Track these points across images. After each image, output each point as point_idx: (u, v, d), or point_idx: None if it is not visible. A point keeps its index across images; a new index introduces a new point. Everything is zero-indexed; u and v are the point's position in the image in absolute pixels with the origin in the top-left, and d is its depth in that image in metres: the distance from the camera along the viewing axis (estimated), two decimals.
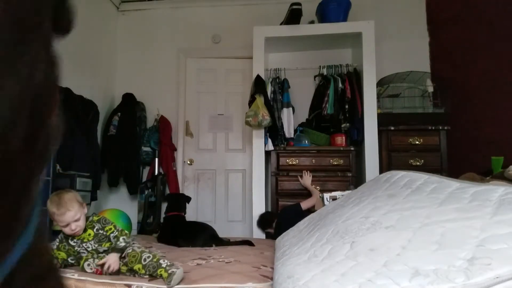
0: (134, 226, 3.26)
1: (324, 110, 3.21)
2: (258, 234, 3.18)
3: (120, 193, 3.77)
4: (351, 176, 3.10)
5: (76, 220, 1.43)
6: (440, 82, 3.24)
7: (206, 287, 1.09)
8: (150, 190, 3.35)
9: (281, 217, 2.71)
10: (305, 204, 2.70)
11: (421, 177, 1.19)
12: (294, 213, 2.57)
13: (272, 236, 2.84)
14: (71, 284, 1.09)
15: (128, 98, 3.77)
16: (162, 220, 2.74)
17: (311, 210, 2.54)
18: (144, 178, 3.68)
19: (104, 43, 3.86)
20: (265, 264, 1.42)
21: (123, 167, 3.57)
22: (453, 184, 1.02)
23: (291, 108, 3.39)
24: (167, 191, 3.50)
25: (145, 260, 1.31)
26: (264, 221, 2.96)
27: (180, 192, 3.59)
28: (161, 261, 1.30)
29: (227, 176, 3.81)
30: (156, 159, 3.61)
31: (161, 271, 1.26)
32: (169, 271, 1.23)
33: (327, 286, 0.74)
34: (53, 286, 0.31)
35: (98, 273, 1.33)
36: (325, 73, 3.42)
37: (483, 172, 2.15)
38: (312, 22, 3.45)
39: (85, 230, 1.49)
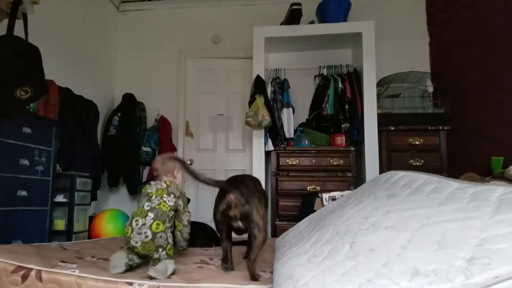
0: None
1: (324, 110, 3.21)
2: None
3: (120, 193, 3.77)
4: (351, 176, 3.10)
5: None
6: (440, 82, 3.24)
7: (207, 287, 1.09)
8: None
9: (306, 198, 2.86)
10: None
11: (421, 177, 1.18)
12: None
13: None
14: (71, 281, 1.09)
15: (128, 98, 3.77)
16: None
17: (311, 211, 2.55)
18: (144, 178, 3.68)
19: (104, 43, 3.86)
20: (265, 265, 1.42)
21: (123, 167, 3.56)
22: (453, 184, 1.02)
23: (291, 108, 3.39)
24: None
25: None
26: None
27: None
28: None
29: (227, 176, 3.79)
30: None
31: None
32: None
33: (327, 287, 0.74)
34: None
35: None
36: (325, 73, 3.42)
37: (483, 172, 2.16)
38: (312, 22, 3.45)
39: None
